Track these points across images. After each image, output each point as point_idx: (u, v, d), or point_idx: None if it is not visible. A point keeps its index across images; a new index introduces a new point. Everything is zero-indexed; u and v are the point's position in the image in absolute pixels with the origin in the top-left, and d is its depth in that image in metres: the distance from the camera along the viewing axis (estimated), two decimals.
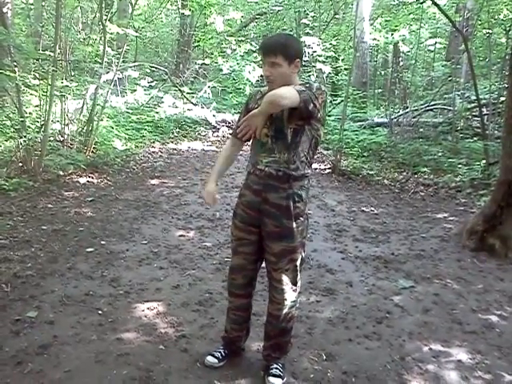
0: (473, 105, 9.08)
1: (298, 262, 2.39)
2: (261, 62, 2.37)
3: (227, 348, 2.62)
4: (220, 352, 2.59)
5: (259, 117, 2.14)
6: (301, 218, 2.33)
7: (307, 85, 2.23)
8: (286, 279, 2.36)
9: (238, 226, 2.42)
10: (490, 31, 9.08)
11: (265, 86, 2.36)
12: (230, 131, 9.37)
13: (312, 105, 2.17)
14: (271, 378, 2.42)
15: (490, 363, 2.73)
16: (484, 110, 8.00)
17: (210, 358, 2.56)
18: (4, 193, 5.26)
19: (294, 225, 2.30)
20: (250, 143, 2.45)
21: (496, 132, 7.74)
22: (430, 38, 13.45)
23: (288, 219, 2.29)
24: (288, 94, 2.09)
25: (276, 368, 2.46)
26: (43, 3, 10.07)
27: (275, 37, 2.39)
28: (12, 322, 2.86)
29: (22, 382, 2.33)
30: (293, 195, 2.29)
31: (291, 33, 13.60)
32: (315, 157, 2.39)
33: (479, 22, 10.25)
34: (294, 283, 2.41)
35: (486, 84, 9.13)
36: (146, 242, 4.34)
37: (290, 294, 2.40)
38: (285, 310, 2.41)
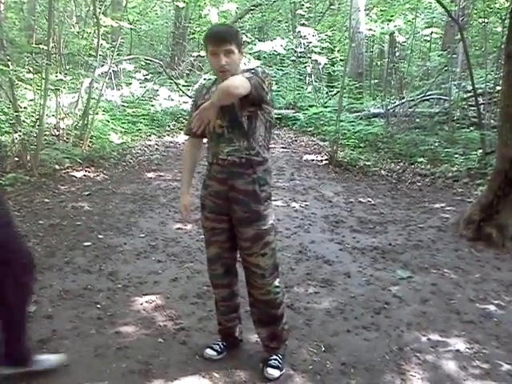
0: (469, 94, 9.07)
1: (274, 245, 2.41)
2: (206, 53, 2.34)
3: (225, 340, 2.63)
4: (218, 344, 2.61)
5: (211, 109, 2.12)
6: (268, 201, 2.37)
7: (252, 70, 2.23)
8: (263, 263, 2.36)
9: (209, 217, 2.44)
10: (486, 20, 9.03)
11: (207, 80, 2.36)
12: None
13: (261, 89, 2.18)
14: (269, 369, 2.42)
15: (488, 352, 2.74)
16: (480, 99, 7.99)
17: (208, 351, 2.58)
18: (0, 188, 5.23)
19: (263, 208, 2.34)
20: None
21: (492, 121, 7.74)
22: (426, 27, 13.38)
23: (256, 203, 2.32)
24: (240, 83, 2.08)
25: (275, 359, 2.47)
26: None
27: (222, 26, 2.43)
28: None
29: (21, 376, 2.33)
30: (258, 179, 2.33)
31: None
32: (271, 139, 2.42)
33: (475, 11, 10.22)
34: (275, 268, 2.42)
35: (482, 73, 9.11)
36: (143, 235, 4.33)
37: (272, 280, 2.40)
38: (271, 296, 2.41)
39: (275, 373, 2.42)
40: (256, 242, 2.34)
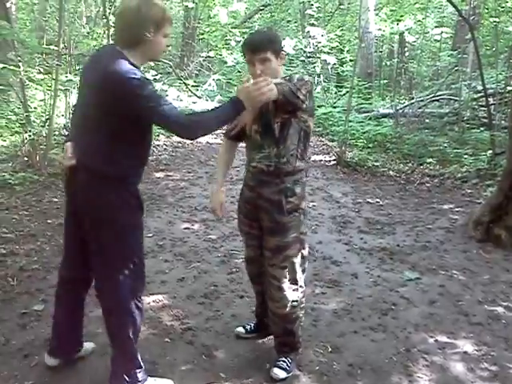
0: (479, 95, 8.99)
1: (297, 260, 2.35)
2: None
3: (259, 323, 2.74)
4: (250, 325, 2.75)
5: (246, 114, 2.12)
6: (295, 213, 2.31)
7: (287, 77, 2.22)
8: (281, 276, 2.33)
9: (243, 221, 2.50)
10: (497, 20, 8.95)
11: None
12: None
13: (294, 96, 2.14)
14: (275, 369, 2.42)
15: (497, 355, 2.72)
16: (491, 99, 7.92)
17: (239, 328, 2.76)
18: (10, 187, 5.28)
19: (286, 220, 2.29)
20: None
21: (503, 122, 7.67)
22: (436, 27, 13.30)
23: (280, 214, 2.29)
24: (266, 88, 2.03)
25: (283, 361, 2.46)
26: None
27: (258, 33, 2.39)
28: (19, 316, 2.88)
29: (28, 374, 2.35)
30: (285, 190, 2.29)
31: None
32: (308, 150, 2.38)
33: (486, 11, 10.15)
34: (294, 282, 2.37)
35: (493, 73, 9.04)
36: (151, 234, 4.35)
37: (289, 293, 2.35)
38: (287, 310, 2.37)
39: (281, 374, 2.41)
40: (276, 253, 2.33)
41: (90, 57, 2.22)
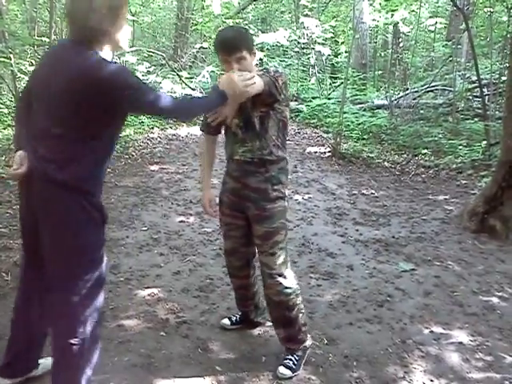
0: (474, 85, 9.00)
1: (284, 246, 2.40)
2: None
3: (244, 314, 2.76)
4: (236, 317, 2.77)
5: (229, 106, 2.10)
6: (281, 200, 2.38)
7: (264, 70, 2.24)
8: (272, 263, 2.36)
9: (225, 213, 2.51)
10: (492, 9, 8.94)
11: None
12: None
13: (274, 87, 2.17)
14: (281, 368, 2.40)
15: (491, 345, 2.74)
16: (485, 90, 7.92)
17: (224, 320, 2.78)
18: (3, 181, 5.24)
19: (273, 207, 2.34)
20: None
21: (497, 112, 7.69)
22: (431, 17, 13.26)
23: (266, 201, 2.34)
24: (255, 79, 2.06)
25: (290, 359, 2.43)
26: None
27: (230, 32, 2.32)
28: (13, 311, 2.85)
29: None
30: (271, 178, 2.35)
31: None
32: (286, 138, 2.43)
33: (480, 1, 10.12)
34: (284, 267, 2.39)
35: (487, 64, 9.04)
36: (145, 228, 4.33)
37: (282, 280, 2.37)
38: (282, 297, 2.38)
39: (287, 373, 2.38)
40: (265, 240, 2.35)
41: (48, 54, 2.07)
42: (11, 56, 5.66)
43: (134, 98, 1.79)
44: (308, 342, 2.51)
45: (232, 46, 2.18)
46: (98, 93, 1.76)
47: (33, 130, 1.93)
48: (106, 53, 1.88)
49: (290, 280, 2.40)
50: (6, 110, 6.61)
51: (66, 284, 1.94)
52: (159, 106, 1.84)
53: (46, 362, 2.27)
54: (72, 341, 1.91)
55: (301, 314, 2.47)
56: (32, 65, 6.21)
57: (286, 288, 2.38)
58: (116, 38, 1.89)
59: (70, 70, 1.78)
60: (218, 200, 2.56)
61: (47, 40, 6.23)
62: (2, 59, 5.50)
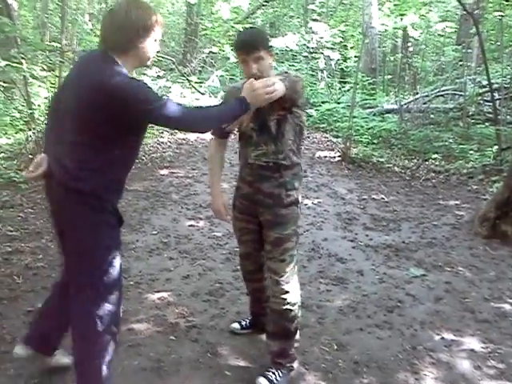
0: (484, 89, 8.93)
1: (295, 253, 2.37)
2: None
3: (254, 319, 2.75)
4: (246, 321, 2.78)
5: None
6: (294, 206, 2.35)
7: (285, 74, 2.23)
8: (281, 270, 2.32)
9: (238, 217, 2.50)
10: (502, 13, 8.86)
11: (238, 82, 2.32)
12: None
13: (294, 92, 2.16)
14: (260, 379, 2.33)
15: (504, 352, 2.71)
16: (496, 94, 7.87)
17: (234, 324, 2.79)
18: (14, 185, 5.28)
19: (286, 212, 2.33)
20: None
21: (508, 117, 7.64)
22: (440, 21, 13.20)
23: (280, 207, 2.32)
24: (277, 84, 2.03)
25: (273, 373, 2.36)
26: None
27: (249, 32, 2.35)
28: (24, 313, 2.88)
29: (34, 373, 2.35)
30: (285, 184, 2.32)
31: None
32: (302, 144, 2.41)
33: (490, 4, 10.07)
34: (292, 276, 2.36)
35: (498, 68, 8.98)
36: (155, 232, 4.34)
37: (289, 288, 2.33)
38: (285, 307, 2.34)
39: (264, 383, 2.32)
40: (276, 246, 2.33)
41: (77, 63, 2.14)
42: (23, 61, 5.73)
43: (153, 113, 1.84)
44: (295, 365, 2.44)
45: (250, 45, 2.18)
46: (118, 106, 1.82)
47: (57, 136, 2.00)
48: (130, 67, 1.96)
49: (295, 290, 2.38)
50: (17, 115, 6.66)
51: (84, 284, 2.00)
52: (178, 119, 1.87)
53: (59, 357, 2.36)
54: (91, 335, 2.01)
55: (298, 330, 2.44)
56: (43, 70, 6.27)
57: (291, 297, 2.35)
58: (143, 55, 1.97)
59: (94, 81, 1.84)
60: (230, 204, 2.55)
61: (58, 45, 6.29)
62: (14, 64, 5.56)
